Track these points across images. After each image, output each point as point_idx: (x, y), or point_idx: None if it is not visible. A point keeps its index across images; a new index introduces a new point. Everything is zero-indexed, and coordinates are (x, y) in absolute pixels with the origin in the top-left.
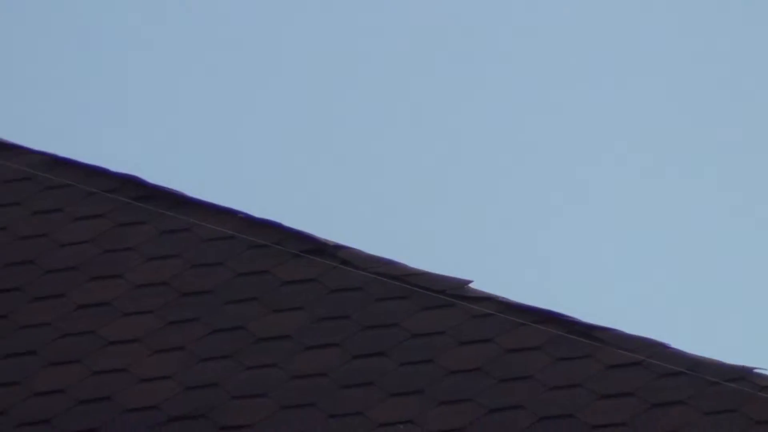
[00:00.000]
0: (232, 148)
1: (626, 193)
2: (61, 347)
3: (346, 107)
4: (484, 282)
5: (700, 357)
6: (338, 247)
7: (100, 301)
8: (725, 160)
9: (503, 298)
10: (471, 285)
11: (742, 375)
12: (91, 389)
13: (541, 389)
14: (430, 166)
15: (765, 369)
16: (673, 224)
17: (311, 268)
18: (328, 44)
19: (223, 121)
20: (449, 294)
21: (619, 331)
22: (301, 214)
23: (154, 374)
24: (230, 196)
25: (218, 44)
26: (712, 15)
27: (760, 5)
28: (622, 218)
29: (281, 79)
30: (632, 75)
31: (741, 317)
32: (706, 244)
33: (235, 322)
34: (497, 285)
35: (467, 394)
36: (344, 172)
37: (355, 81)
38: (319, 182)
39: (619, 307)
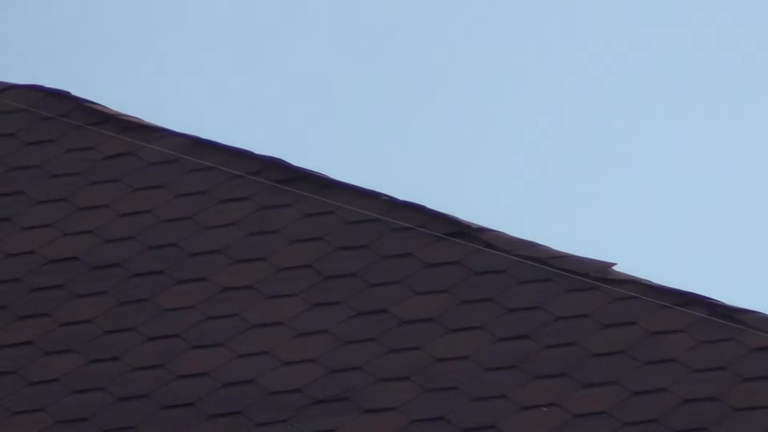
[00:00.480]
0: (376, 131)
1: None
2: (205, 330)
3: (486, 91)
4: (627, 264)
5: None
6: (482, 230)
7: (243, 284)
8: None
9: (647, 280)
10: (614, 267)
11: None
12: (235, 372)
13: (685, 372)
14: (574, 149)
15: None
16: None
17: (455, 251)
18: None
19: (366, 103)
20: (593, 277)
21: (763, 313)
22: (444, 196)
23: (297, 357)
24: (374, 178)
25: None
26: None
27: None
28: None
29: (428, 65)
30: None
31: None
32: None
33: (379, 305)
34: (640, 267)
35: (611, 376)
36: (487, 154)
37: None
38: (463, 164)
39: (762, 289)
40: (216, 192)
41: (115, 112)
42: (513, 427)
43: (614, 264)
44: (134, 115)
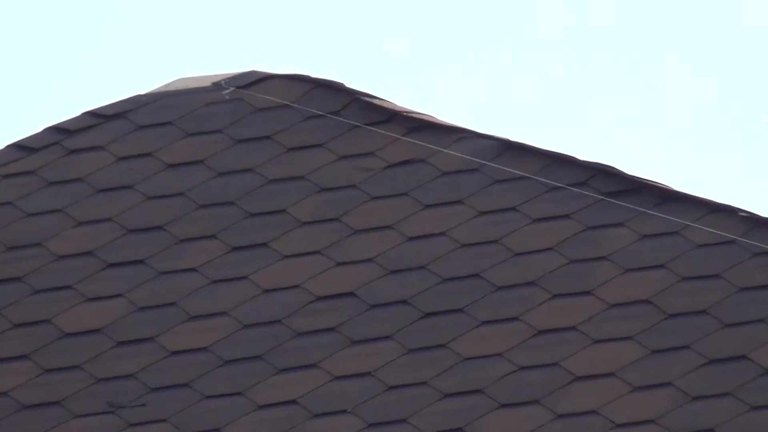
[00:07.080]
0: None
1: None
2: None
3: None
4: None
5: None
6: None
7: (565, 326)
8: None
9: None
10: None
11: None
12: None
13: None
14: None
15: None
16: None
17: None
18: None
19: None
20: None
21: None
22: None
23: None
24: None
25: None
26: None
27: None
28: None
29: None
30: None
31: None
32: None
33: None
34: None
35: None
36: None
37: None
38: None
39: None
40: (529, 209)
41: (402, 108)
42: None
43: None
44: (425, 113)
